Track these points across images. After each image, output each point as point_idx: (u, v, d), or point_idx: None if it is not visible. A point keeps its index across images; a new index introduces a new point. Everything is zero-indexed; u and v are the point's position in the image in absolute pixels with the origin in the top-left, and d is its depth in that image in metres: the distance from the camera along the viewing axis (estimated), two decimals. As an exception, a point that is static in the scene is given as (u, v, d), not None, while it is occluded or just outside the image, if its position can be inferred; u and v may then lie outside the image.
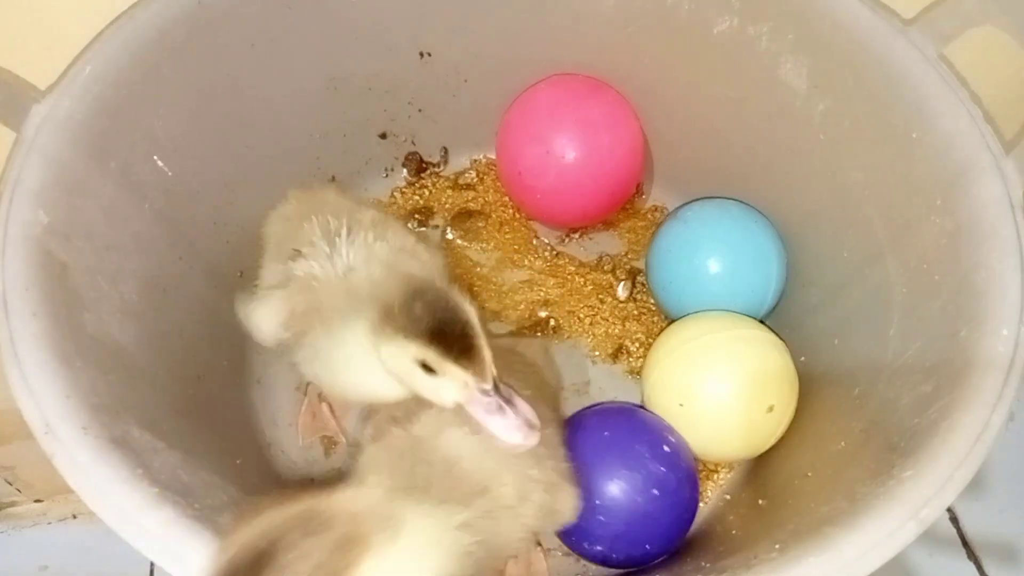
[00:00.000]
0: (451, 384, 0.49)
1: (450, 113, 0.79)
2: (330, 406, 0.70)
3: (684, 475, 0.63)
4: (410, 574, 0.45)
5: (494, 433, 0.49)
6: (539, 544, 0.66)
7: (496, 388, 0.49)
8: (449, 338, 0.49)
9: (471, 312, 0.50)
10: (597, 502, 0.61)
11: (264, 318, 0.60)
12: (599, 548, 0.62)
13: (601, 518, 0.61)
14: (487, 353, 0.49)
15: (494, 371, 0.50)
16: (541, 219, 0.82)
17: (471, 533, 0.48)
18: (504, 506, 0.51)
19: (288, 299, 0.59)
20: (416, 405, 0.54)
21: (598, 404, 0.72)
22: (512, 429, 0.49)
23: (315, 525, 0.41)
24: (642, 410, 0.67)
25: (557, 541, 0.66)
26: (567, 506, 0.57)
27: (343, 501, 0.44)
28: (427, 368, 0.49)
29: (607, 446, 0.62)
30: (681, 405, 0.66)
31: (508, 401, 0.50)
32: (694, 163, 0.77)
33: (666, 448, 0.63)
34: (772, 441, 0.66)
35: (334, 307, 0.56)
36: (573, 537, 0.64)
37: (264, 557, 0.39)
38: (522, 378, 0.60)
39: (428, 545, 0.46)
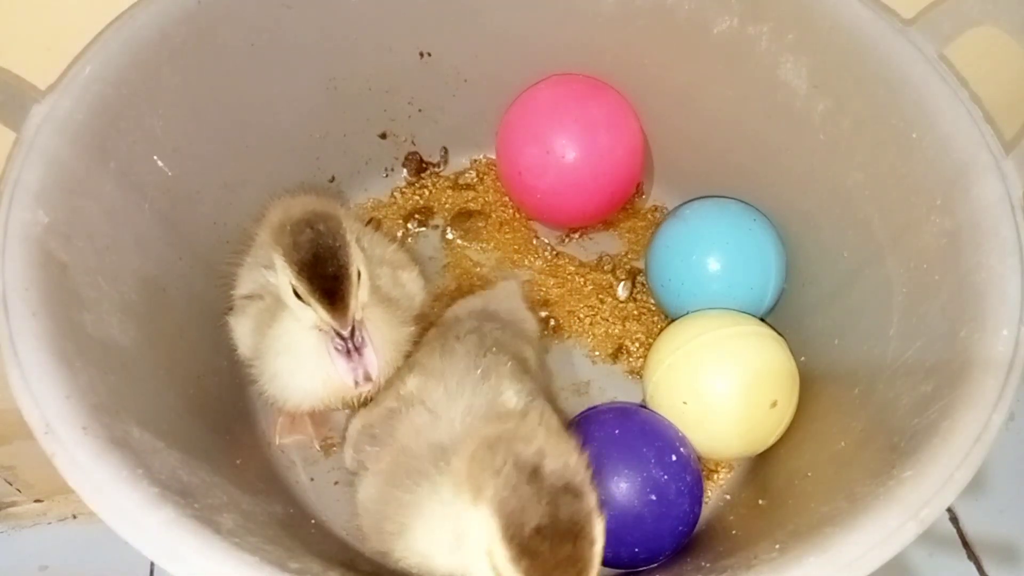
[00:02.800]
0: (313, 315, 0.53)
1: (450, 113, 0.79)
2: (310, 411, 0.70)
3: (687, 488, 0.62)
4: None
5: (335, 367, 0.54)
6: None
7: (351, 335, 0.53)
8: (318, 279, 0.51)
9: (352, 258, 0.52)
10: None
11: (240, 332, 0.62)
12: None
13: None
14: (353, 302, 0.52)
15: (357, 317, 0.53)
16: (541, 219, 0.82)
17: None
18: None
19: (259, 314, 0.60)
20: (389, 414, 0.56)
21: (616, 403, 0.72)
22: (349, 372, 0.54)
23: None
24: (660, 418, 0.67)
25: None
26: None
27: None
28: (296, 292, 0.53)
29: (614, 443, 0.62)
30: (685, 403, 0.66)
31: (357, 349, 0.54)
32: (694, 163, 0.77)
33: (673, 457, 0.62)
34: (775, 437, 0.67)
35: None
36: None
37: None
38: (499, 347, 0.61)
39: None
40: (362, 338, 0.54)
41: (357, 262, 0.53)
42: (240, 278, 0.64)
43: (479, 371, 0.57)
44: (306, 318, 0.54)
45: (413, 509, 0.49)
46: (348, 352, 0.54)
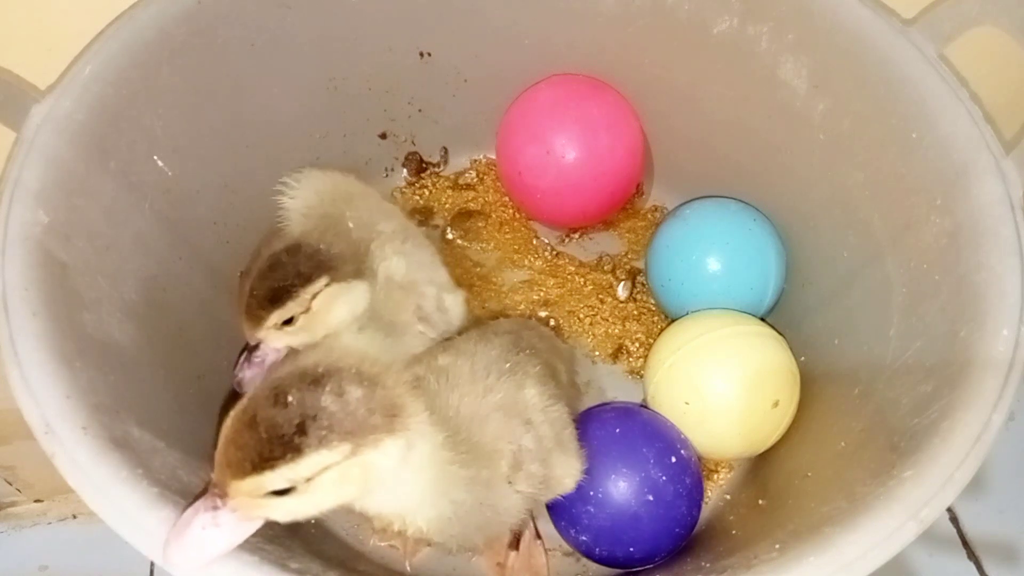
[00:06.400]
0: None
1: (450, 113, 0.79)
2: None
3: (685, 490, 0.62)
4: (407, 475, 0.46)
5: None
6: (539, 539, 0.66)
7: (254, 348, 0.56)
8: (256, 288, 0.54)
9: (289, 300, 0.54)
10: (591, 493, 0.61)
11: None
12: (584, 538, 0.63)
13: (591, 509, 0.61)
14: (263, 328, 0.55)
15: (259, 337, 0.56)
16: (541, 219, 0.82)
17: (464, 484, 0.49)
18: (499, 475, 0.52)
19: None
20: (415, 381, 0.56)
21: (618, 402, 0.72)
22: (238, 374, 0.57)
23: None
24: (662, 419, 0.67)
25: (558, 540, 0.66)
26: (565, 475, 0.58)
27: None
28: None
29: (614, 441, 0.62)
30: (687, 404, 0.66)
31: (249, 362, 0.56)
32: (694, 163, 0.77)
33: (673, 459, 0.62)
34: (776, 437, 0.67)
35: None
36: (563, 522, 0.64)
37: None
38: (533, 352, 0.61)
39: (426, 452, 0.47)
40: (262, 360, 0.56)
41: (308, 304, 0.55)
42: None
43: (508, 364, 0.57)
44: None
45: None
46: (248, 359, 0.56)
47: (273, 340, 0.55)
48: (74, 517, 0.87)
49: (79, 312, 0.50)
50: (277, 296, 0.54)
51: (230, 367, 0.67)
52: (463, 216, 0.82)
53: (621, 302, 0.78)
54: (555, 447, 0.57)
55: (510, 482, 0.53)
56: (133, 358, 0.54)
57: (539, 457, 0.55)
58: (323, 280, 0.55)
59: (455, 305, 0.66)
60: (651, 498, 0.61)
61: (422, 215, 0.82)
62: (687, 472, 0.63)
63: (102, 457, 0.43)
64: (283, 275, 0.54)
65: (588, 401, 0.73)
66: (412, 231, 0.67)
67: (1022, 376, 0.47)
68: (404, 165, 0.83)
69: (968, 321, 0.50)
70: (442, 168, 0.84)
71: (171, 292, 0.61)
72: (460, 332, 0.66)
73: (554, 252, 0.81)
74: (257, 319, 0.54)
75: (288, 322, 0.55)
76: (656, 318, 0.78)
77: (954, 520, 0.86)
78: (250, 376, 0.56)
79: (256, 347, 0.56)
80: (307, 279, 0.54)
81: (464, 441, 0.50)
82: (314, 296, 0.55)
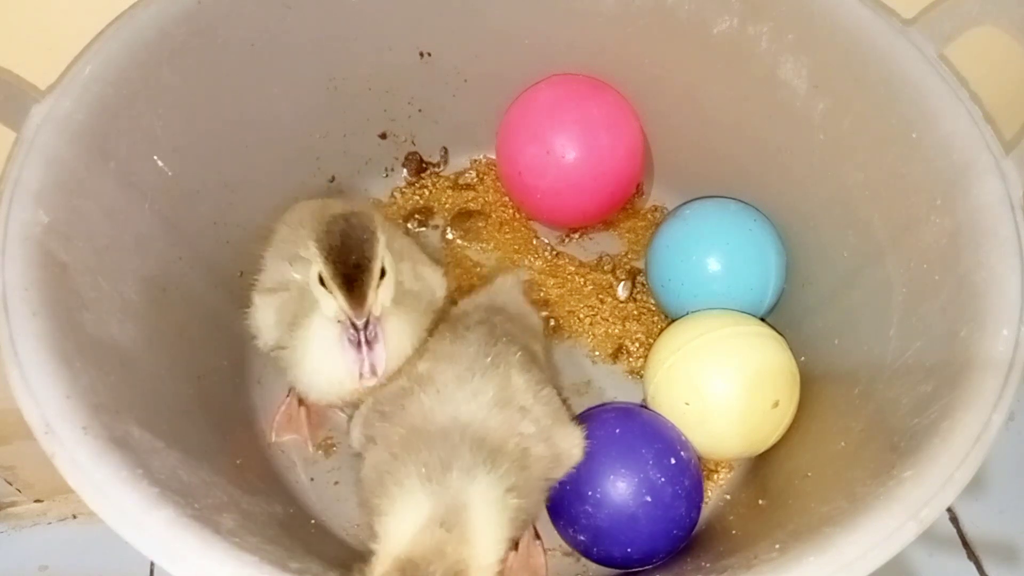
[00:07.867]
0: (334, 304, 0.54)
1: (450, 113, 0.79)
2: (308, 411, 0.70)
3: (684, 492, 0.62)
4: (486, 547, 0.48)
5: (344, 358, 0.56)
6: (538, 538, 0.66)
7: (365, 326, 0.54)
8: (342, 264, 0.53)
9: (377, 253, 0.54)
10: (589, 493, 0.61)
11: (262, 323, 0.63)
12: (582, 538, 0.63)
13: (588, 509, 0.61)
14: (371, 293, 0.54)
15: (375, 312, 0.54)
16: (541, 219, 0.82)
17: (516, 494, 0.51)
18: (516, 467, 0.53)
19: (283, 307, 0.61)
20: (401, 392, 0.57)
21: (618, 403, 0.72)
22: (356, 363, 0.55)
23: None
24: (663, 420, 0.67)
25: (557, 540, 0.66)
26: (570, 445, 0.59)
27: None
28: (321, 279, 0.54)
29: (613, 442, 0.62)
30: (687, 404, 0.66)
31: (368, 343, 0.55)
32: (694, 163, 0.78)
33: (672, 460, 0.62)
34: (776, 437, 0.67)
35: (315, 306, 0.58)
36: (561, 521, 0.64)
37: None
38: (509, 339, 0.61)
39: (491, 517, 0.49)
40: (375, 333, 0.55)
41: (383, 260, 0.54)
42: (265, 269, 0.65)
43: (489, 359, 0.58)
44: (328, 308, 0.56)
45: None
46: (359, 344, 0.55)
47: (376, 306, 0.54)
48: (74, 517, 0.87)
49: (79, 312, 0.50)
50: (368, 264, 0.53)
51: (230, 367, 0.68)
52: (463, 216, 0.82)
53: (621, 302, 0.78)
54: (553, 423, 0.58)
55: (523, 468, 0.54)
56: (133, 358, 0.54)
57: (542, 438, 0.55)
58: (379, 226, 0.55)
59: (433, 276, 0.67)
60: (649, 499, 0.61)
61: (422, 215, 0.82)
62: (686, 474, 0.63)
63: (102, 457, 0.43)
64: (358, 241, 0.54)
65: (588, 401, 0.73)
66: (389, 228, 0.67)
67: (1022, 376, 0.48)
68: (404, 165, 0.83)
69: (968, 321, 0.50)
70: (442, 168, 0.84)
71: (171, 292, 0.61)
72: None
73: (554, 252, 0.81)
74: (363, 296, 0.53)
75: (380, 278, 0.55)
76: (656, 318, 0.78)
77: (954, 520, 0.87)
78: (379, 355, 0.55)
79: (366, 325, 0.55)
80: (374, 233, 0.54)
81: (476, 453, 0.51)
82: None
